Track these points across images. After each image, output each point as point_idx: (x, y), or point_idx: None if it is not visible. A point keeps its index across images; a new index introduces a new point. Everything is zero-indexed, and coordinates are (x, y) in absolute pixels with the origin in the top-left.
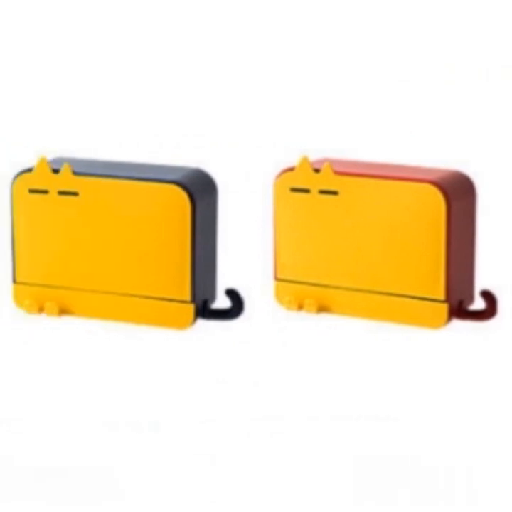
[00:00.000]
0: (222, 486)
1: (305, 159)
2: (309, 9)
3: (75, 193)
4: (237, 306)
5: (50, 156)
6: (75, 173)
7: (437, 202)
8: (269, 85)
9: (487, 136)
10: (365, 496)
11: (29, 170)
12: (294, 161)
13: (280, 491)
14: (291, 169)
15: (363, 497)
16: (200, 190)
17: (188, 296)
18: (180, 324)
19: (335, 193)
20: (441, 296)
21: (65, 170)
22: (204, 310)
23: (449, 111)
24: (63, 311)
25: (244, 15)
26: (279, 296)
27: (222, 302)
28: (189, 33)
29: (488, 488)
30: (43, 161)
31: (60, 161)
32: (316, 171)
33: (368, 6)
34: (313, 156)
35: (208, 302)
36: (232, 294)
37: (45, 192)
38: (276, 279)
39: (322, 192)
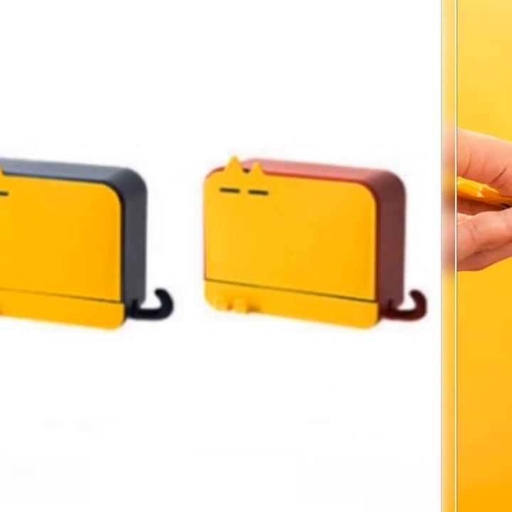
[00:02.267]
0: (159, 487)
1: (234, 159)
2: (242, 7)
3: (4, 193)
4: (166, 306)
5: None
6: (5, 173)
7: (367, 202)
8: (198, 85)
9: (415, 137)
10: (299, 495)
11: None
12: (223, 161)
13: (216, 490)
14: (221, 169)
15: (296, 497)
16: (129, 190)
17: (117, 296)
18: (109, 324)
19: (264, 193)
20: (371, 296)
21: None
22: (133, 310)
23: (376, 111)
24: None
25: (171, 12)
26: (209, 296)
27: (151, 302)
28: (122, 32)
29: (419, 484)
30: None
31: None
32: (246, 170)
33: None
34: (243, 156)
35: (137, 302)
36: (161, 294)
37: None
38: (206, 279)
39: (252, 192)
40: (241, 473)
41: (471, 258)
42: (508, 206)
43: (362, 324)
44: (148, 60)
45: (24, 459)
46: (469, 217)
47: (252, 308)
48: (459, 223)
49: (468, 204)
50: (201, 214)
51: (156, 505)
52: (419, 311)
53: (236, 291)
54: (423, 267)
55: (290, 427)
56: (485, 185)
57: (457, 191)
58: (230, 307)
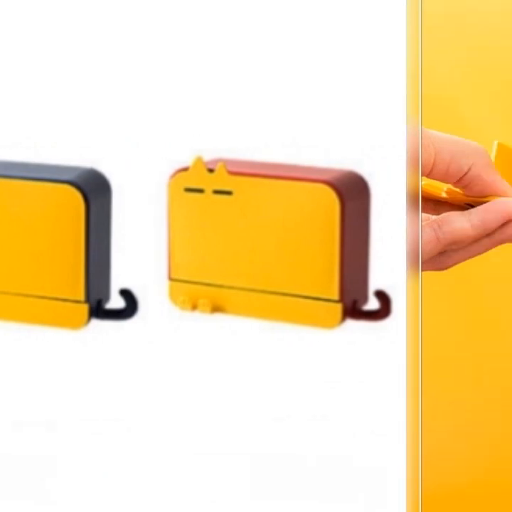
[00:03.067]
0: (120, 485)
1: (199, 159)
2: (206, 8)
3: None
4: (130, 306)
5: None
6: None
7: (331, 202)
8: (161, 85)
9: (380, 137)
10: (258, 495)
11: None
12: (188, 160)
13: (176, 489)
14: (185, 169)
15: (253, 496)
16: (94, 190)
17: (82, 296)
18: (74, 324)
19: (229, 193)
20: (335, 296)
21: None
22: (98, 310)
23: (340, 111)
24: None
25: (131, 13)
26: (173, 296)
27: (116, 302)
28: (75, 30)
29: (383, 484)
30: None
31: None
32: (210, 170)
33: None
34: (208, 156)
35: (101, 302)
36: (125, 294)
37: None
38: (170, 279)
39: (216, 192)
40: (201, 472)
41: (435, 258)
42: (472, 206)
43: (326, 324)
44: (111, 59)
45: None
46: (434, 217)
47: (216, 308)
48: (423, 223)
49: (433, 204)
50: (165, 214)
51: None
52: (383, 311)
53: (200, 291)
54: (388, 266)
55: (253, 425)
56: (449, 185)
57: (422, 191)
58: (194, 307)
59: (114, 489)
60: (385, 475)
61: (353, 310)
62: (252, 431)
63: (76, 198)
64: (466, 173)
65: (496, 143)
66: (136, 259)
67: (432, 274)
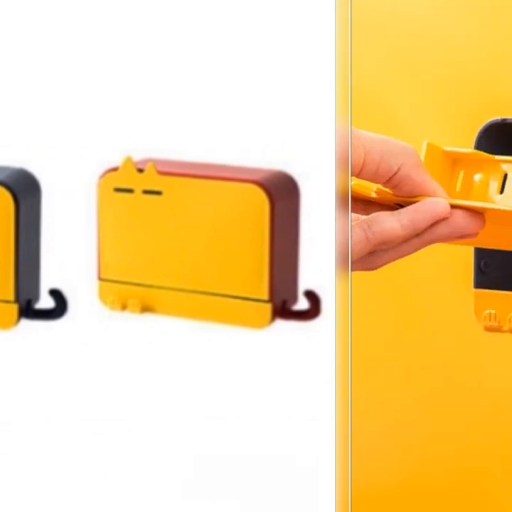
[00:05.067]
0: (57, 486)
1: (128, 159)
2: (129, 8)
3: None
4: (60, 306)
5: None
6: None
7: (261, 202)
8: (91, 85)
9: (309, 137)
10: (190, 494)
11: None
12: (117, 160)
13: (119, 490)
14: (115, 169)
15: (199, 496)
16: (23, 190)
17: (11, 296)
18: (3, 324)
19: (158, 193)
20: (265, 296)
21: None
22: (27, 310)
23: (270, 111)
24: None
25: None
26: (103, 296)
27: (45, 302)
28: (10, 30)
29: (313, 484)
30: None
31: None
32: (140, 170)
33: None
34: (137, 156)
35: (31, 302)
36: (55, 294)
37: None
38: (100, 279)
39: (146, 192)
40: (134, 472)
41: (365, 258)
42: (402, 206)
43: (256, 324)
44: (40, 59)
45: None
46: (363, 217)
47: (146, 308)
48: (353, 223)
49: (362, 204)
50: (95, 214)
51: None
52: (313, 311)
53: (130, 291)
54: (317, 266)
55: (182, 425)
56: (379, 185)
57: (351, 191)
58: (124, 307)
59: (44, 491)
60: (315, 475)
61: (283, 310)
62: (182, 431)
63: (6, 198)
64: (395, 173)
65: (425, 143)
66: (66, 259)
67: (361, 274)
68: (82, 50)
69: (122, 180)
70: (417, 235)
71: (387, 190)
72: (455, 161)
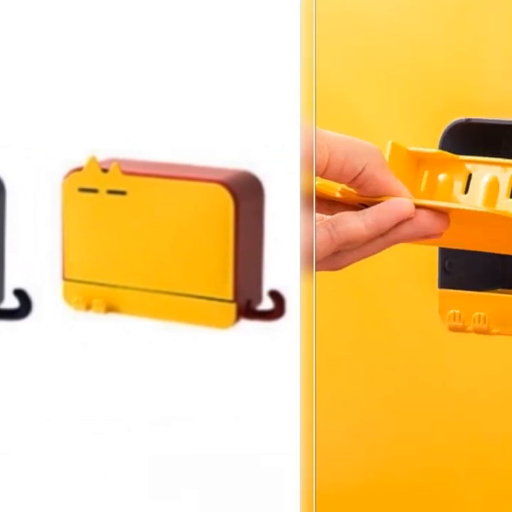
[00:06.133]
0: (20, 488)
1: (93, 159)
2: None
3: None
4: (24, 306)
5: None
6: None
7: (225, 202)
8: (55, 85)
9: (273, 137)
10: (165, 494)
11: None
12: (82, 160)
13: (67, 489)
14: (79, 169)
15: (163, 496)
16: None
17: None
18: None
19: (123, 193)
20: (229, 296)
21: None
22: None
23: (234, 111)
24: None
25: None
26: (67, 296)
27: (9, 302)
28: None
29: (277, 484)
30: None
31: None
32: (104, 170)
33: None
34: (102, 156)
35: None
36: (19, 294)
37: None
38: (65, 279)
39: (110, 192)
40: (101, 472)
41: (329, 258)
42: (366, 206)
43: (220, 324)
44: (6, 59)
45: None
46: (328, 217)
47: (110, 308)
48: (317, 223)
49: (327, 204)
50: (60, 214)
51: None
52: (277, 311)
53: (94, 291)
54: (282, 267)
55: (148, 426)
56: (343, 185)
57: (316, 191)
58: (88, 307)
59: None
60: (279, 475)
61: (247, 310)
62: (147, 431)
63: None
64: (360, 173)
65: (389, 143)
66: (30, 259)
67: (326, 274)
68: (47, 49)
69: (87, 180)
70: (382, 235)
71: (351, 190)
72: (419, 161)
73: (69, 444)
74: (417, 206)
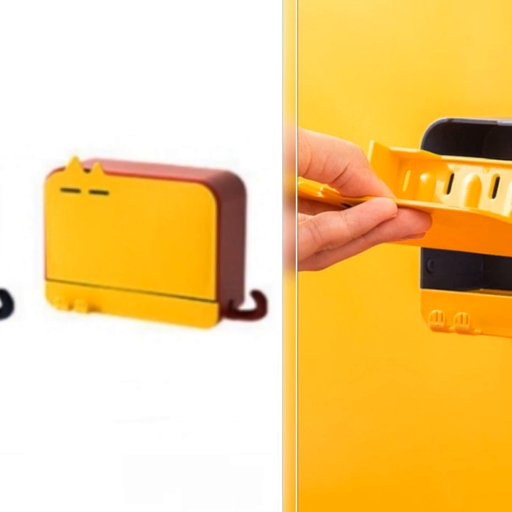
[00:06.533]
0: None
1: (75, 159)
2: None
3: None
4: (7, 306)
5: None
6: None
7: (207, 202)
8: (37, 85)
9: (256, 137)
10: (145, 496)
11: None
12: (64, 160)
13: (38, 490)
14: (62, 169)
15: (143, 498)
16: None
17: None
18: None
19: (105, 193)
20: (212, 296)
21: None
22: None
23: (217, 111)
24: None
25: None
26: (50, 296)
27: None
28: None
29: (260, 484)
30: None
31: None
32: (87, 170)
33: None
34: (84, 156)
35: None
36: (2, 294)
37: None
38: (47, 279)
39: (92, 192)
40: (73, 474)
41: (311, 258)
42: (348, 206)
43: (203, 324)
44: None
45: None
46: (310, 217)
47: (92, 308)
48: (299, 223)
49: (309, 204)
50: (42, 214)
51: None
52: (259, 311)
53: (77, 291)
54: (264, 267)
55: (131, 426)
56: (325, 185)
57: (298, 191)
58: (70, 307)
59: None
60: (262, 475)
61: (230, 310)
62: (128, 432)
63: None
64: (342, 173)
65: (372, 142)
66: (13, 259)
67: (308, 274)
68: (28, 49)
69: (69, 181)
70: (364, 235)
71: (333, 190)
72: (402, 161)
73: (50, 443)
74: (399, 206)
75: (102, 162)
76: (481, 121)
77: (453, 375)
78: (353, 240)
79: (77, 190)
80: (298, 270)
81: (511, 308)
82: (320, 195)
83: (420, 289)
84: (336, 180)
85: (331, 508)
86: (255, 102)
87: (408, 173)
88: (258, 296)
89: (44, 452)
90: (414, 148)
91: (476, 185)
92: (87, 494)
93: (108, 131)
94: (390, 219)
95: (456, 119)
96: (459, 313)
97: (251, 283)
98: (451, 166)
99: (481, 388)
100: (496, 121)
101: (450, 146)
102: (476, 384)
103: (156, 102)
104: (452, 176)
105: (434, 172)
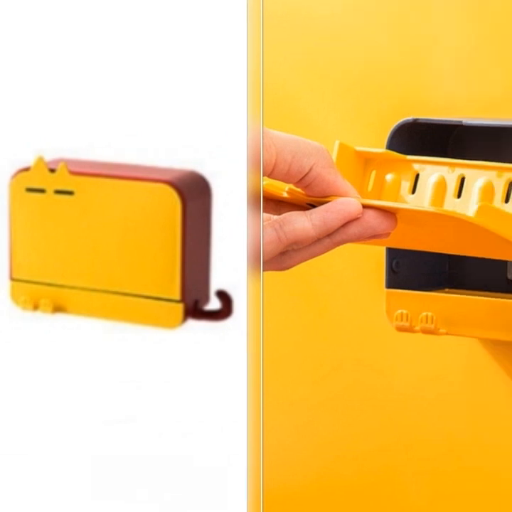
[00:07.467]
0: None
1: (40, 159)
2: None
3: None
4: None
5: None
6: None
7: (172, 202)
8: (2, 84)
9: (220, 137)
10: (110, 495)
11: None
12: (29, 160)
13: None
14: (27, 169)
15: (108, 497)
16: None
17: None
18: None
19: (70, 193)
20: (177, 296)
21: None
22: None
23: (181, 111)
24: None
25: None
26: (15, 296)
27: None
28: None
29: (225, 484)
30: None
31: None
32: (52, 170)
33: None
34: (49, 156)
35: None
36: None
37: None
38: (12, 279)
39: (57, 192)
40: (41, 473)
41: (277, 258)
42: (313, 206)
43: (168, 324)
44: None
45: None
46: (275, 217)
47: (58, 308)
48: (264, 223)
49: (274, 204)
50: (7, 214)
51: None
52: (224, 311)
53: (42, 291)
54: (229, 267)
55: (94, 427)
56: (291, 185)
57: (263, 191)
58: (35, 307)
59: None
60: (226, 475)
61: (195, 310)
62: (93, 432)
63: None
64: (307, 173)
65: (337, 142)
66: None
67: (273, 274)
68: None
69: (34, 180)
70: (329, 234)
71: (298, 190)
72: (367, 160)
73: (14, 444)
74: (365, 206)
75: (68, 162)
76: (446, 121)
77: (418, 375)
78: (318, 240)
79: (42, 190)
80: (263, 270)
81: (476, 308)
82: (285, 195)
83: (385, 289)
84: (301, 180)
85: (296, 508)
86: (220, 102)
87: (373, 173)
88: (223, 296)
89: (6, 453)
90: (380, 148)
91: (441, 185)
92: (54, 493)
93: (73, 131)
94: (355, 219)
95: (422, 119)
96: (424, 313)
97: (216, 283)
98: (416, 166)
99: (446, 388)
100: (461, 122)
101: (415, 146)
102: (441, 384)
103: (121, 103)
104: (417, 175)
105: (400, 172)
